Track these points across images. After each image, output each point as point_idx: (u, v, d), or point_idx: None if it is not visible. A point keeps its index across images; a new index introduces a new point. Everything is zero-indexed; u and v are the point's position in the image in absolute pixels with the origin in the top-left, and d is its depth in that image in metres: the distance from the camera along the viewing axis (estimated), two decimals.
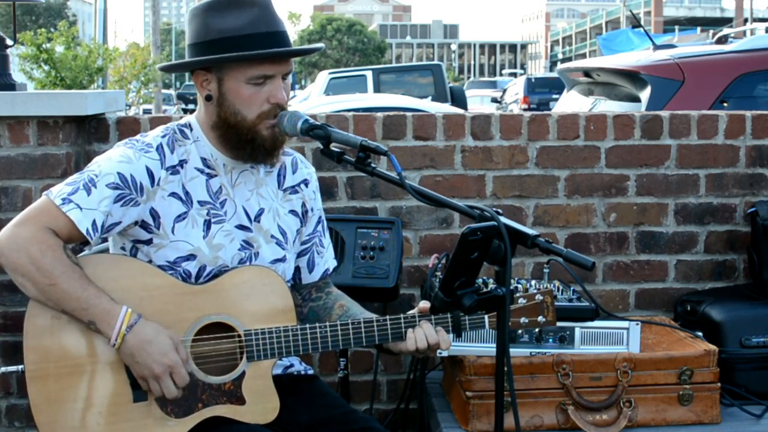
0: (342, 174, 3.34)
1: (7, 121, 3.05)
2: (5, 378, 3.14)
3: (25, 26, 52.74)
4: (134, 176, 2.19)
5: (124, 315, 2.11)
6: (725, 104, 4.58)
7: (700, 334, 3.01)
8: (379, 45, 71.13)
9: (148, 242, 2.25)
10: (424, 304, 2.29)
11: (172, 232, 2.24)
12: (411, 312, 2.29)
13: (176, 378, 2.14)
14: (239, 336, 2.23)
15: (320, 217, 2.54)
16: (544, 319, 2.29)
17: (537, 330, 2.81)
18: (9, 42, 3.39)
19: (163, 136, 2.29)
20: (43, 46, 21.83)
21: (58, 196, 2.14)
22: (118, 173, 2.18)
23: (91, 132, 3.25)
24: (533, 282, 3.04)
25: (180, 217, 2.25)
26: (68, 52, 22.35)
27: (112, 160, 2.21)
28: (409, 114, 3.39)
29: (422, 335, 2.25)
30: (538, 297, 2.29)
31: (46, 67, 21.85)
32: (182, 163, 2.28)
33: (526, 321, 2.28)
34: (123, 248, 2.30)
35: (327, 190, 3.33)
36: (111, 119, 3.26)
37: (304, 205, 2.47)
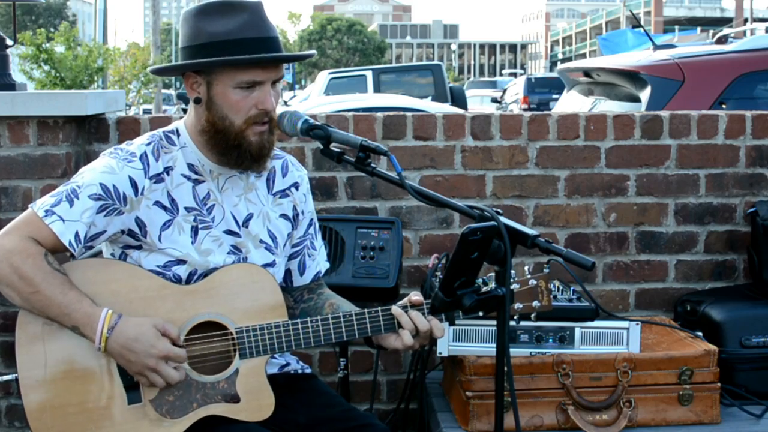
0: (342, 174, 3.34)
1: (7, 121, 3.05)
2: None
3: (25, 26, 52.74)
4: (117, 186, 2.20)
5: (105, 317, 2.11)
6: (723, 106, 4.58)
7: (700, 334, 3.01)
8: (379, 45, 71.12)
9: (138, 248, 2.25)
10: (416, 297, 2.27)
11: (159, 240, 2.24)
12: (402, 302, 2.27)
13: (174, 360, 2.14)
14: (231, 334, 2.23)
15: (312, 220, 2.53)
16: (539, 304, 2.25)
17: (536, 330, 2.80)
18: (9, 42, 3.39)
19: (148, 144, 2.28)
20: (43, 46, 21.83)
21: (41, 207, 2.15)
22: (101, 184, 2.18)
23: (91, 132, 3.25)
24: None
25: (165, 225, 2.25)
26: (68, 52, 22.35)
27: (95, 170, 2.22)
28: (409, 114, 3.39)
29: (408, 320, 2.22)
30: (532, 282, 2.25)
31: (46, 67, 21.85)
32: (168, 170, 2.27)
33: (521, 306, 2.24)
34: (113, 254, 2.30)
35: (327, 190, 3.33)
36: (111, 119, 3.26)
37: (294, 208, 2.46)
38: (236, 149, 2.25)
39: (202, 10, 2.24)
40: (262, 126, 2.25)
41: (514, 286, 2.24)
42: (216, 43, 2.20)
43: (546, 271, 2.31)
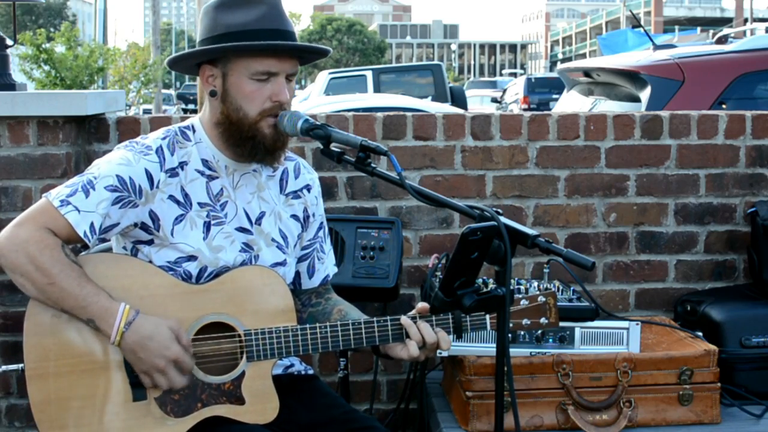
0: (342, 174, 3.34)
1: (7, 121, 3.05)
2: (5, 378, 3.14)
3: (25, 26, 52.73)
4: (133, 179, 2.20)
5: (123, 312, 2.11)
6: (724, 106, 4.58)
7: (700, 334, 3.01)
8: (379, 45, 71.12)
9: (149, 243, 2.25)
10: (423, 305, 2.28)
11: (172, 234, 2.24)
12: (411, 313, 2.28)
13: (182, 367, 2.15)
14: (239, 336, 2.23)
15: (322, 223, 2.53)
16: (546, 321, 2.28)
17: (537, 330, 2.81)
18: (9, 42, 3.39)
19: (164, 138, 2.29)
20: (43, 46, 21.84)
21: (56, 197, 2.14)
22: (117, 176, 2.18)
23: (91, 132, 3.25)
24: (533, 282, 3.04)
25: (177, 220, 2.25)
26: (69, 52, 22.36)
27: (112, 162, 2.21)
28: (409, 114, 3.39)
29: (416, 332, 2.23)
30: (541, 298, 2.28)
31: (46, 67, 21.87)
32: (182, 165, 2.27)
33: (529, 323, 2.28)
34: (124, 248, 2.30)
35: (327, 190, 3.33)
36: (111, 119, 3.26)
37: (305, 210, 2.47)
38: (250, 140, 2.25)
39: (221, 3, 2.27)
40: (275, 118, 2.26)
41: (523, 302, 2.27)
42: (232, 33, 2.22)
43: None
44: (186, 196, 2.27)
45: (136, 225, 2.23)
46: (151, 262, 2.25)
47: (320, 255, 2.53)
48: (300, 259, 2.49)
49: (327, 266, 2.55)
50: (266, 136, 2.26)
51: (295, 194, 2.46)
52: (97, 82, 23.46)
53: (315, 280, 2.52)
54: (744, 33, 9.73)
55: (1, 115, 3.03)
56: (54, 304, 2.12)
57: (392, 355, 2.30)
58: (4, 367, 2.38)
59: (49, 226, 2.12)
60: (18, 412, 3.17)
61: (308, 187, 2.48)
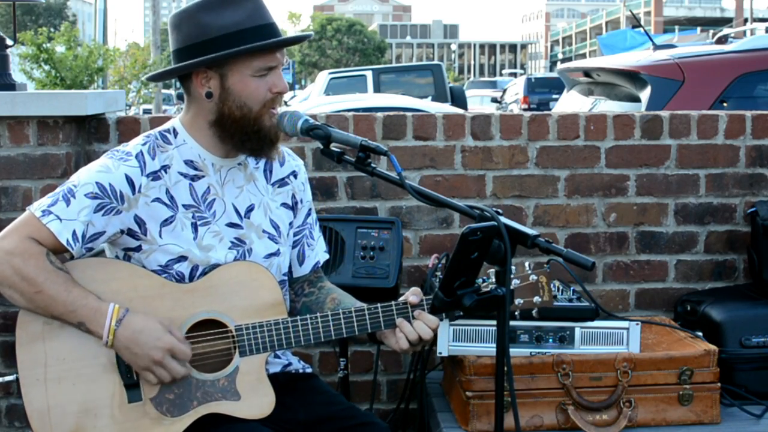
0: (342, 174, 3.34)
1: (7, 121, 3.05)
2: None
3: (25, 26, 52.69)
4: (113, 185, 2.20)
5: (112, 311, 2.13)
6: (725, 104, 4.58)
7: (700, 334, 3.01)
8: (379, 45, 71.06)
9: (138, 249, 2.25)
10: (415, 289, 2.27)
11: (160, 236, 2.24)
12: (402, 299, 2.28)
13: (179, 356, 2.15)
14: (231, 332, 2.23)
15: (310, 209, 2.54)
16: (540, 299, 2.24)
17: (536, 330, 2.80)
18: (9, 42, 3.39)
19: (144, 144, 2.29)
20: (44, 45, 21.84)
21: (38, 208, 2.16)
22: (97, 183, 2.19)
23: (91, 132, 3.25)
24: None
25: (167, 222, 2.25)
26: (69, 52, 22.36)
27: (91, 170, 2.23)
28: (409, 114, 3.39)
29: (411, 330, 2.24)
30: (533, 277, 2.25)
31: (47, 67, 21.87)
32: (165, 168, 2.27)
33: (522, 302, 2.24)
34: (117, 257, 2.30)
35: (327, 190, 3.33)
36: (111, 119, 3.26)
37: (294, 196, 2.48)
38: (256, 134, 2.26)
39: (203, 6, 2.24)
40: (275, 109, 2.28)
41: (515, 282, 2.24)
42: (230, 34, 2.21)
43: (546, 268, 2.31)
44: (172, 198, 2.27)
45: (122, 232, 2.24)
46: (142, 266, 2.25)
47: (310, 241, 2.53)
48: (290, 247, 2.49)
49: (317, 252, 2.55)
50: (270, 128, 2.27)
51: (282, 182, 2.46)
52: (97, 82, 23.46)
53: (306, 267, 2.52)
54: (744, 33, 9.73)
55: (1, 115, 3.03)
56: (43, 312, 2.13)
57: (386, 343, 2.31)
58: (0, 379, 2.39)
59: (33, 236, 2.14)
60: (18, 412, 3.17)
61: (294, 173, 2.49)
